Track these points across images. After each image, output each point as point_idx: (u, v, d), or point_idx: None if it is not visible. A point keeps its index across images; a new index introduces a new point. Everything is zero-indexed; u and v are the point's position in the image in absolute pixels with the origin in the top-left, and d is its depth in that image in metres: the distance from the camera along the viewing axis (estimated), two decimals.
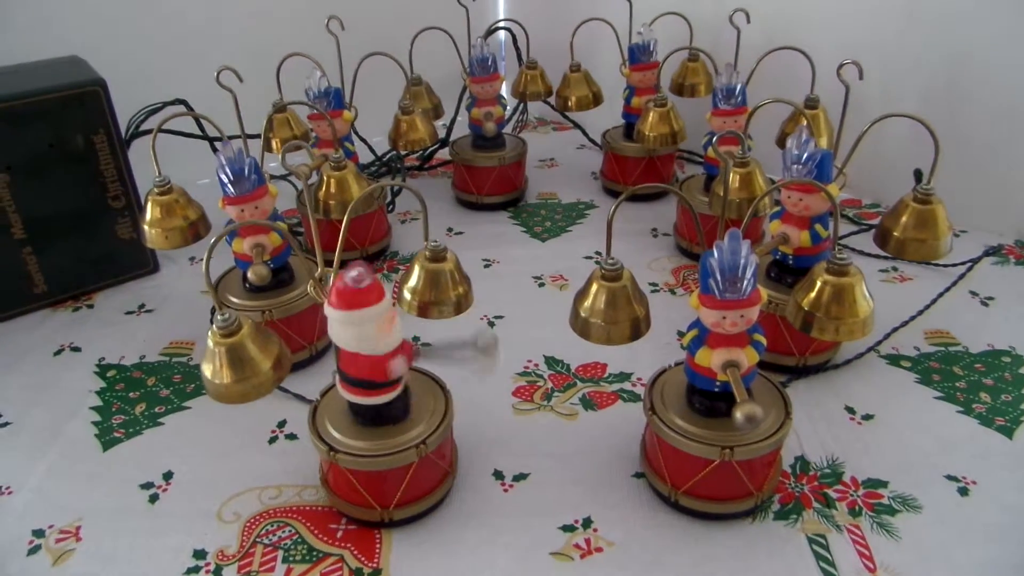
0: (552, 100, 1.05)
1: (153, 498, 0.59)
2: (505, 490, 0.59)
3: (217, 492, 0.60)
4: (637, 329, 0.54)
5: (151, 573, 0.53)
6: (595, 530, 0.56)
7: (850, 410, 0.66)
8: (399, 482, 0.55)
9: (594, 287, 0.54)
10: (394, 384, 0.53)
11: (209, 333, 0.49)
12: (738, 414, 0.48)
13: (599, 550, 0.54)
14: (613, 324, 0.54)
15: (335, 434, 0.55)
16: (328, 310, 0.49)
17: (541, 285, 0.85)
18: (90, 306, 0.84)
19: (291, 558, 0.54)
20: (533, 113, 1.33)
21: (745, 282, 0.49)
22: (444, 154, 1.10)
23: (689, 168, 1.13)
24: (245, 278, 0.71)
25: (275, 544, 0.55)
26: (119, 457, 0.63)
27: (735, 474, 0.54)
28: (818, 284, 0.55)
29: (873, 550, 0.54)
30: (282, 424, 0.66)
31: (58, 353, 0.76)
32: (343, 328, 0.49)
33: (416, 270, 0.57)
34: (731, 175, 0.73)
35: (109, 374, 0.73)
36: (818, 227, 0.65)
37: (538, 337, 0.75)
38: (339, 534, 0.56)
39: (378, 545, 0.55)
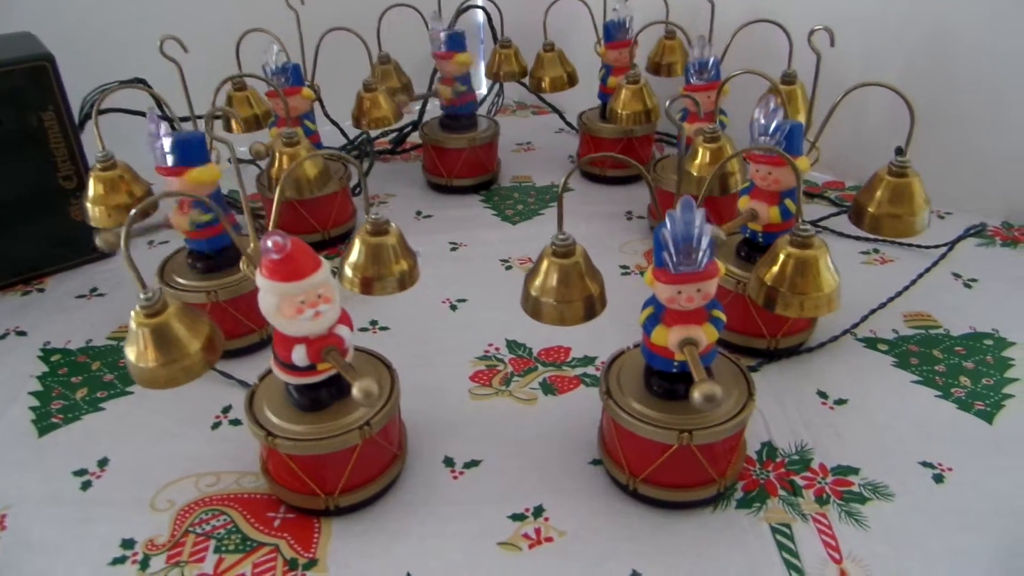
0: (527, 81, 1.02)
1: (86, 485, 0.56)
2: (455, 477, 0.56)
3: (153, 479, 0.57)
4: (591, 308, 0.51)
5: (75, 563, 0.50)
6: (546, 519, 0.53)
7: (822, 395, 0.63)
8: (343, 467, 0.52)
9: (545, 264, 0.51)
10: (316, 370, 0.49)
11: (132, 314, 0.46)
12: (696, 394, 0.44)
13: (549, 540, 0.51)
14: (566, 303, 0.51)
15: (274, 419, 0.52)
16: (258, 278, 0.47)
17: (508, 268, 0.82)
18: (41, 290, 0.81)
19: (224, 548, 0.51)
20: (511, 97, 1.30)
21: (700, 253, 0.46)
22: (417, 138, 1.07)
23: (669, 151, 1.09)
24: (191, 257, 0.68)
25: (208, 533, 0.52)
26: (54, 443, 0.60)
27: (695, 460, 0.51)
28: (781, 257, 0.52)
29: (840, 540, 0.51)
30: (227, 410, 0.63)
31: (2, 337, 0.73)
32: (261, 295, 0.47)
33: (356, 245, 0.54)
34: (701, 151, 0.70)
35: (53, 358, 0.70)
36: (788, 202, 0.62)
37: (501, 320, 0.72)
38: (276, 523, 0.53)
39: (316, 535, 0.52)
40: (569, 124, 1.16)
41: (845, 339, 0.69)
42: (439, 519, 0.53)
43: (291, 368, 0.49)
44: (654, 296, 0.49)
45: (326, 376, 0.50)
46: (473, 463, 0.57)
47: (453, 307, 0.75)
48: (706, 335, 0.48)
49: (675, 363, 0.50)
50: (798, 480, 0.55)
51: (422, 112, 1.06)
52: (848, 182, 0.98)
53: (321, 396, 0.51)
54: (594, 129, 0.98)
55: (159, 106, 0.92)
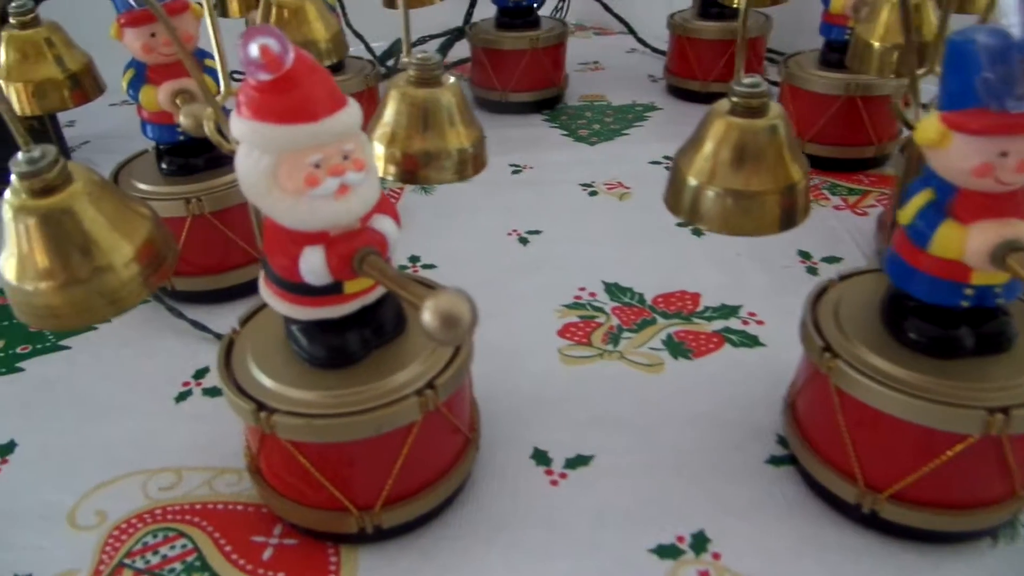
0: None
1: None
2: (554, 483, 0.35)
3: (78, 477, 0.36)
4: (791, 208, 0.31)
5: None
6: (716, 556, 0.32)
7: None
8: (390, 461, 0.31)
9: (717, 129, 0.31)
10: (343, 294, 0.29)
11: (7, 193, 0.26)
12: None
13: None
14: (752, 197, 0.30)
15: (268, 383, 0.31)
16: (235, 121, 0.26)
17: (593, 194, 0.61)
18: None
19: None
20: (571, 20, 1.09)
21: None
22: (463, 52, 0.86)
23: None
24: (160, 156, 0.47)
25: (153, 569, 0.32)
26: None
27: (997, 460, 0.29)
28: None
29: None
30: (201, 374, 0.43)
31: None
32: (242, 155, 0.26)
33: (391, 104, 0.34)
34: (887, 9, 0.50)
35: None
36: None
37: (592, 256, 0.52)
38: (267, 553, 0.32)
39: (333, 573, 0.31)
40: (643, 42, 0.94)
41: None
42: (534, 551, 0.32)
43: (299, 291, 0.28)
44: (932, 174, 0.28)
45: (360, 304, 0.29)
46: (581, 460, 0.36)
47: (523, 240, 0.54)
48: None
49: (967, 291, 0.28)
50: None
51: (469, 13, 0.85)
52: None
53: (349, 343, 0.30)
54: (692, 30, 0.76)
55: None
